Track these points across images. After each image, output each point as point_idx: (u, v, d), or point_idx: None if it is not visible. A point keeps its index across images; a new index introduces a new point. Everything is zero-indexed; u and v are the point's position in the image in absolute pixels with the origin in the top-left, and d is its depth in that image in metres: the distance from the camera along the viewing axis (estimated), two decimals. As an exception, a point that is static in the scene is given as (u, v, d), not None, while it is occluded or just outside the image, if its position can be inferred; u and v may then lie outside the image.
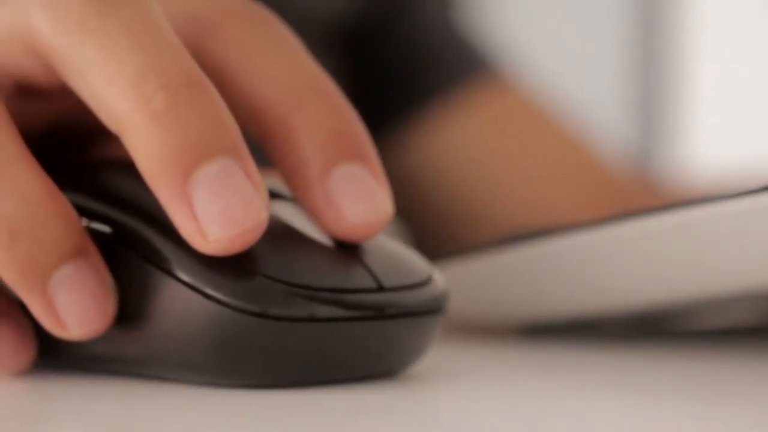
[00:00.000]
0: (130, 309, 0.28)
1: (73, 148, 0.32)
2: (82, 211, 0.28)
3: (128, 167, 0.28)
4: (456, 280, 0.35)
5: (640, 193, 0.64)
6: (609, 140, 0.76)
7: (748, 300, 0.35)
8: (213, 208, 0.26)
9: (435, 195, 0.62)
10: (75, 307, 0.27)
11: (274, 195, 0.28)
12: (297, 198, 0.29)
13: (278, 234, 0.28)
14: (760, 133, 1.90)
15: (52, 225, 0.27)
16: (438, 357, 0.31)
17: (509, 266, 0.36)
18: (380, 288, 0.28)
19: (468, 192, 0.62)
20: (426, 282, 0.28)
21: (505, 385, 0.29)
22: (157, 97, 0.26)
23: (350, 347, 0.27)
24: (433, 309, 0.28)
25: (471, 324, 0.38)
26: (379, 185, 0.28)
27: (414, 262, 0.29)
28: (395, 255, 0.29)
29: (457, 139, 0.63)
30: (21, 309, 0.29)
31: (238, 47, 0.29)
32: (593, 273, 0.35)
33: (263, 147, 0.29)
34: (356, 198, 0.28)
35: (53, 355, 0.30)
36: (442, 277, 0.29)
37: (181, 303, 0.27)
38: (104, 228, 0.28)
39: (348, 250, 0.28)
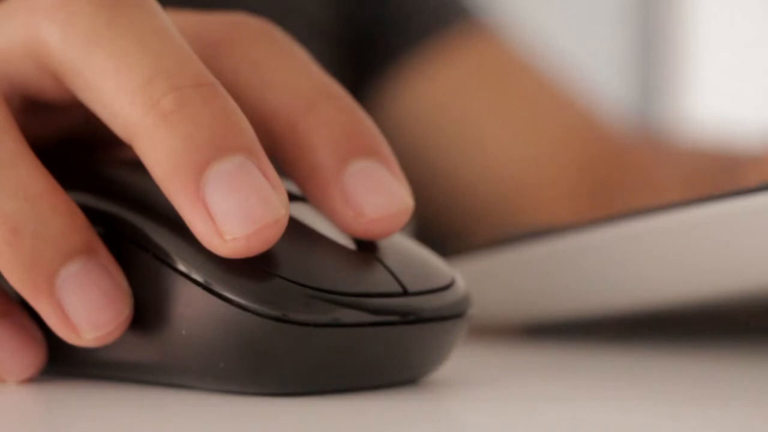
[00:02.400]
0: (146, 313, 0.27)
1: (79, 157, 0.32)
2: (91, 213, 0.28)
3: (139, 166, 0.27)
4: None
5: (634, 146, 0.63)
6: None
7: (748, 300, 0.35)
8: (229, 205, 0.25)
9: (418, 146, 0.62)
10: (85, 307, 0.26)
11: (292, 197, 0.28)
12: (314, 201, 0.28)
13: (298, 237, 0.27)
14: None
15: (55, 221, 0.26)
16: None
17: (509, 266, 0.36)
18: (405, 292, 0.27)
19: (451, 143, 0.62)
20: (449, 285, 0.28)
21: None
22: (167, 98, 0.26)
23: (374, 354, 0.27)
24: (457, 313, 0.28)
25: (474, 324, 0.38)
26: (396, 179, 0.28)
27: (436, 264, 0.29)
28: (417, 258, 0.28)
29: (440, 89, 0.63)
30: (29, 314, 0.28)
31: (247, 61, 0.29)
32: (593, 273, 0.35)
33: (276, 157, 0.29)
34: (374, 192, 0.28)
35: (64, 363, 0.29)
36: (463, 280, 0.29)
37: (198, 306, 0.26)
38: (99, 229, 0.28)
39: (369, 252, 0.28)
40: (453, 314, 0.28)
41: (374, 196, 0.28)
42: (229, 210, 0.25)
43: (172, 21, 0.27)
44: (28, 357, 0.28)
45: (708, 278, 0.33)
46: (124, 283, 0.27)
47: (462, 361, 0.30)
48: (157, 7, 0.27)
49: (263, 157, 0.26)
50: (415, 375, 0.28)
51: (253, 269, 0.26)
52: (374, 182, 0.28)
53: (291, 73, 0.29)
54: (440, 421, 0.26)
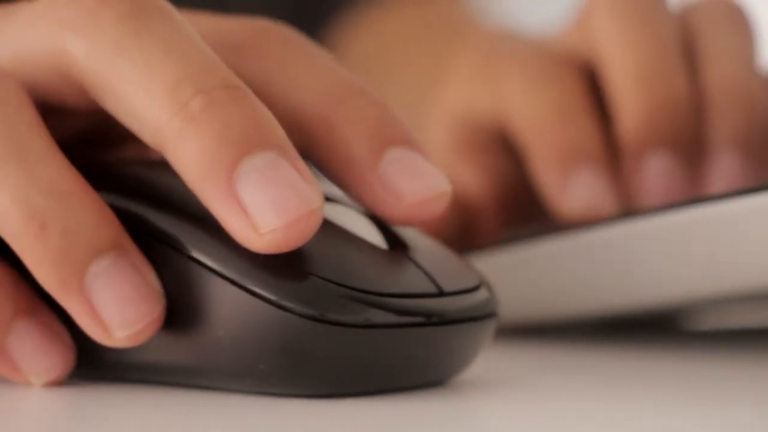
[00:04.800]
0: (181, 315, 0.27)
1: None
2: (122, 215, 0.27)
3: (167, 167, 0.27)
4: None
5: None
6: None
7: (748, 300, 0.35)
8: (262, 198, 0.25)
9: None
10: (116, 303, 0.26)
11: (326, 199, 0.28)
12: (352, 192, 0.28)
13: (334, 237, 0.27)
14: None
15: (85, 217, 0.26)
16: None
17: (510, 266, 0.36)
18: (441, 293, 0.27)
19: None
20: (479, 285, 0.28)
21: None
22: (194, 100, 0.26)
23: (410, 354, 0.27)
24: (489, 313, 0.28)
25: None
26: (432, 165, 0.28)
27: (463, 265, 0.29)
28: (446, 258, 0.29)
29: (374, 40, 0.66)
30: (56, 315, 0.28)
31: (273, 63, 0.29)
32: (594, 273, 0.35)
33: (310, 154, 0.29)
34: (411, 177, 0.28)
35: (95, 366, 0.28)
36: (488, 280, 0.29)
37: (236, 307, 0.26)
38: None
39: (402, 253, 0.28)
40: (486, 314, 0.28)
41: (413, 181, 0.28)
42: (263, 203, 0.25)
43: (195, 25, 0.27)
44: (54, 356, 0.28)
45: (708, 278, 0.33)
46: (155, 281, 0.27)
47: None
48: (180, 15, 0.27)
49: (294, 153, 0.26)
50: (446, 376, 0.28)
51: (290, 268, 0.26)
52: (411, 168, 0.28)
53: (317, 71, 0.29)
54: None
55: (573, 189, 0.40)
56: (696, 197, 0.35)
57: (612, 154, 0.41)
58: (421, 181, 0.28)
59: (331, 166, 0.28)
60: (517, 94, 0.43)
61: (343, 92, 0.29)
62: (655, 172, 0.40)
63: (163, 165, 0.28)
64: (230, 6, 0.41)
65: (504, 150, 0.43)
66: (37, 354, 0.28)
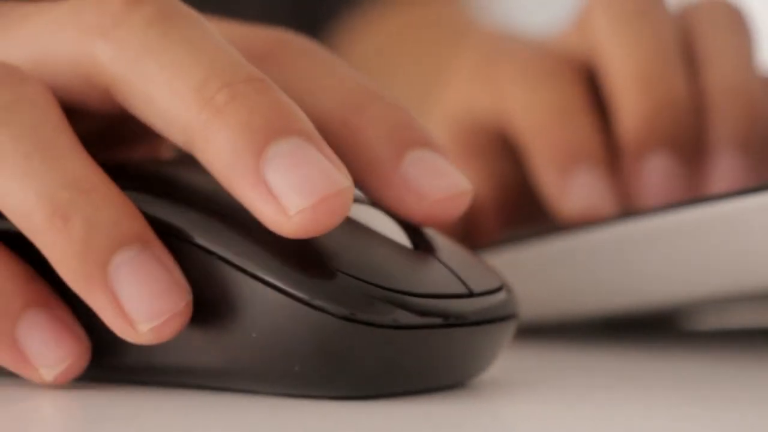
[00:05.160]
0: (211, 316, 0.26)
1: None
2: (149, 215, 0.27)
3: (193, 167, 0.27)
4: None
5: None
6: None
7: (748, 300, 0.35)
8: (290, 180, 0.25)
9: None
10: (140, 295, 0.26)
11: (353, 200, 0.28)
12: (374, 194, 0.29)
13: (363, 237, 0.27)
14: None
15: (108, 210, 0.26)
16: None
17: (509, 266, 0.36)
18: (470, 293, 0.27)
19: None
20: (503, 285, 0.28)
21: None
22: (220, 93, 0.26)
23: (439, 355, 0.27)
24: (514, 314, 0.28)
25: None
26: (451, 165, 0.29)
27: (484, 265, 0.29)
28: (469, 258, 0.29)
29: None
30: (70, 311, 0.28)
31: (293, 71, 0.29)
32: (594, 273, 0.35)
33: None
34: (432, 177, 0.28)
35: (123, 369, 0.28)
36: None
37: (269, 308, 0.26)
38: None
39: (430, 254, 0.28)
40: (511, 314, 0.28)
41: (434, 181, 0.28)
42: (291, 185, 0.25)
43: (217, 32, 0.28)
44: (64, 347, 0.27)
45: (708, 279, 0.33)
46: (180, 275, 0.26)
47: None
48: (205, 20, 0.27)
49: (320, 139, 0.26)
50: (469, 377, 0.28)
51: (320, 266, 0.26)
52: (432, 168, 0.28)
53: (337, 78, 0.30)
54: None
55: (572, 189, 0.40)
56: (696, 197, 0.35)
57: (611, 154, 0.41)
58: (442, 180, 0.28)
59: (353, 169, 0.28)
60: (516, 95, 0.43)
61: (363, 98, 0.29)
62: (655, 173, 0.40)
63: (188, 163, 0.28)
64: (230, 7, 0.41)
65: (504, 150, 0.43)
66: (47, 343, 0.27)
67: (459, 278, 0.27)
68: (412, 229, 0.28)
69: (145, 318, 0.26)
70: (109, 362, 0.28)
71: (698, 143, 0.41)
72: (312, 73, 0.30)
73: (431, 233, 0.29)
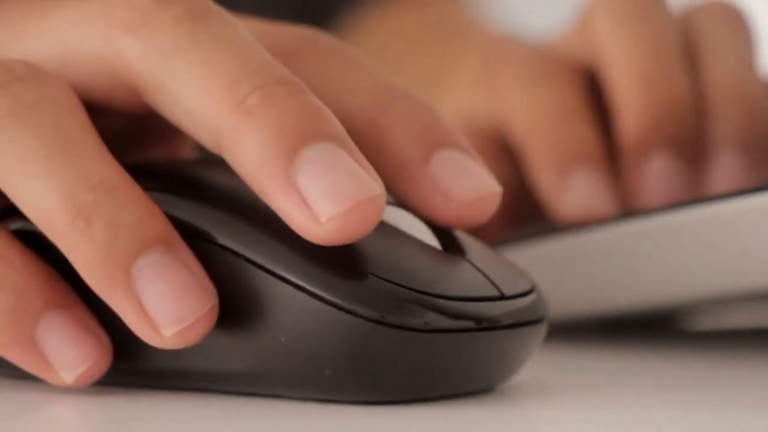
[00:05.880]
0: (239, 320, 0.26)
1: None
2: (174, 217, 0.27)
3: (219, 168, 0.27)
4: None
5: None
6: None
7: (748, 300, 0.35)
8: (322, 186, 0.25)
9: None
10: (164, 298, 0.25)
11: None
12: (402, 194, 0.28)
13: (394, 240, 0.27)
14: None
15: (131, 211, 0.26)
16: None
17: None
18: (502, 296, 0.27)
19: None
20: (533, 288, 0.28)
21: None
22: (252, 95, 0.25)
23: (471, 359, 0.26)
24: (545, 316, 0.28)
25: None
26: (479, 166, 0.28)
27: (515, 267, 0.28)
28: (499, 260, 0.28)
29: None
30: (91, 313, 0.27)
31: (319, 70, 0.29)
32: (593, 273, 0.35)
33: None
34: (461, 177, 0.28)
35: (137, 371, 0.27)
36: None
37: (299, 311, 0.25)
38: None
39: (460, 255, 0.27)
40: (542, 317, 0.27)
41: (463, 182, 0.28)
42: (323, 191, 0.25)
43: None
44: (85, 348, 0.27)
45: (708, 279, 0.33)
46: (205, 278, 0.26)
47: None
48: (234, 18, 0.27)
49: (352, 144, 0.26)
50: (501, 380, 0.28)
51: (350, 269, 0.25)
52: (461, 169, 0.28)
53: (363, 77, 0.29)
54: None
55: (570, 190, 0.40)
56: (696, 197, 0.35)
57: (611, 155, 0.41)
58: (471, 181, 0.28)
59: (380, 168, 0.28)
60: (515, 97, 0.43)
61: (390, 97, 0.29)
62: (656, 173, 0.40)
63: (213, 164, 0.28)
64: (229, 7, 0.41)
65: (504, 152, 0.43)
66: (67, 344, 0.27)
67: (490, 280, 0.27)
68: (440, 230, 0.28)
69: (170, 322, 0.25)
70: (131, 366, 0.27)
71: (698, 143, 0.41)
72: (338, 72, 0.29)
73: (459, 234, 0.28)
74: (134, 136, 0.31)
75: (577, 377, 0.32)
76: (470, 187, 0.28)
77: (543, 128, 0.41)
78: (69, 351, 0.27)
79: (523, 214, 0.43)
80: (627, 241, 0.34)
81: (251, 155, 0.25)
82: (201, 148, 0.34)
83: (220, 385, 0.27)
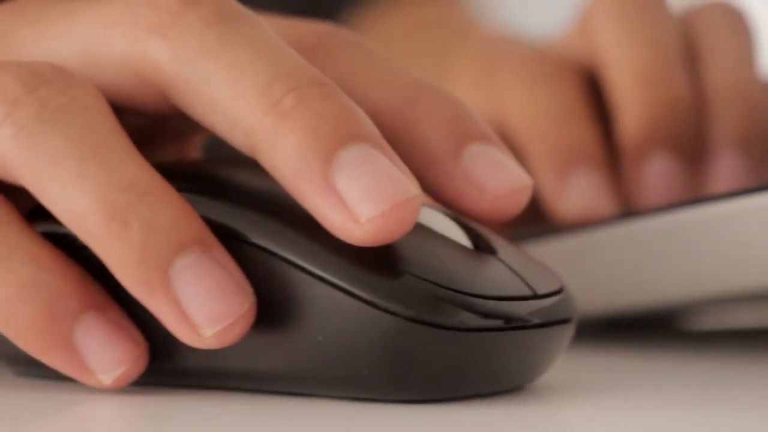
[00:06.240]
0: (275, 319, 0.26)
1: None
2: (209, 218, 0.27)
3: (250, 168, 0.27)
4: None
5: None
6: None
7: (748, 300, 0.35)
8: (360, 187, 0.25)
9: None
10: (202, 299, 0.25)
11: None
12: (434, 187, 0.28)
13: (427, 239, 0.27)
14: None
15: (166, 213, 0.26)
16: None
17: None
18: (535, 295, 0.27)
19: None
20: (563, 287, 0.28)
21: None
22: (287, 97, 0.25)
23: (504, 357, 0.26)
24: (574, 315, 0.28)
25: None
26: (510, 159, 0.28)
27: (544, 265, 0.28)
28: (529, 259, 0.28)
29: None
30: (126, 314, 0.27)
31: (346, 64, 0.29)
32: (593, 273, 0.35)
33: None
34: (493, 170, 0.28)
35: (173, 370, 0.27)
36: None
37: (336, 311, 0.25)
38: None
39: (491, 254, 0.27)
40: (572, 316, 0.28)
41: (495, 175, 0.28)
42: (362, 191, 0.25)
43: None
44: (122, 350, 0.27)
45: (709, 279, 0.33)
46: (242, 278, 0.26)
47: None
48: (260, 19, 0.27)
49: (387, 145, 0.26)
50: (530, 379, 0.28)
51: (386, 267, 0.25)
52: (493, 162, 0.28)
53: (389, 72, 0.29)
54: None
55: (571, 190, 0.40)
56: (696, 197, 0.35)
57: (611, 155, 0.41)
58: (504, 174, 0.28)
59: (411, 163, 0.28)
60: (514, 97, 0.43)
61: (418, 90, 0.29)
62: (656, 173, 0.40)
63: (245, 166, 0.28)
64: None
65: None
66: (105, 347, 0.27)
67: (523, 280, 0.27)
68: (470, 229, 0.28)
69: (208, 323, 0.25)
70: (165, 365, 0.27)
71: (698, 143, 0.41)
72: (363, 66, 0.29)
73: (489, 233, 0.28)
74: (147, 138, 0.31)
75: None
76: (504, 179, 0.28)
77: (543, 128, 0.42)
78: (107, 354, 0.27)
79: (523, 214, 0.43)
80: (627, 241, 0.34)
81: (288, 158, 0.25)
82: (206, 149, 0.34)
83: (255, 384, 0.27)
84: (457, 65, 0.52)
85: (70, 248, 0.27)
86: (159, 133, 0.31)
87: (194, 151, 0.33)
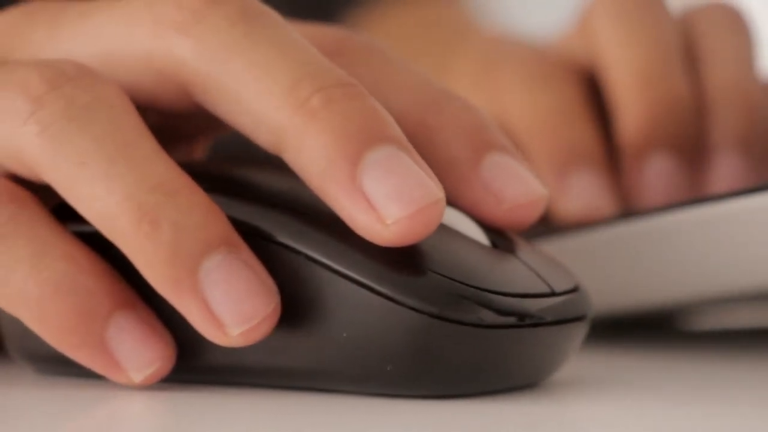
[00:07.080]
0: (300, 317, 0.26)
1: None
2: (234, 217, 0.27)
3: (274, 168, 0.27)
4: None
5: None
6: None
7: (748, 300, 0.35)
8: (387, 189, 0.25)
9: None
10: (230, 299, 0.25)
11: None
12: (453, 193, 0.29)
13: (449, 237, 0.27)
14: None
15: (194, 213, 0.26)
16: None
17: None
18: (553, 293, 0.27)
19: None
20: (578, 285, 0.28)
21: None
22: (314, 97, 0.26)
23: (521, 354, 0.27)
24: (589, 313, 0.28)
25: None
26: (528, 170, 0.29)
27: (560, 264, 0.29)
28: (545, 257, 0.29)
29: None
30: (154, 313, 0.27)
31: (367, 69, 0.29)
32: (593, 273, 0.34)
33: None
34: (511, 181, 0.28)
35: (201, 368, 0.28)
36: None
37: (361, 307, 0.26)
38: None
39: (510, 253, 0.28)
40: (588, 313, 0.28)
41: (513, 185, 0.28)
42: (389, 193, 0.25)
43: None
44: (154, 349, 0.27)
45: (709, 279, 0.33)
46: (268, 278, 0.26)
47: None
48: (283, 19, 0.27)
49: (411, 147, 0.26)
50: (546, 375, 0.28)
51: (410, 265, 0.26)
52: (511, 173, 0.29)
53: (408, 78, 0.30)
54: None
55: (571, 191, 0.40)
56: (696, 197, 0.35)
57: (611, 155, 0.41)
58: (522, 185, 0.28)
59: (431, 168, 0.28)
60: (514, 97, 0.43)
61: (439, 97, 0.29)
62: (656, 173, 0.40)
63: (269, 165, 0.28)
64: None
65: None
66: (137, 346, 0.27)
67: (541, 277, 0.27)
68: (488, 228, 0.28)
69: (236, 322, 0.26)
70: (193, 363, 0.28)
71: (698, 144, 0.41)
72: (384, 71, 0.30)
73: (506, 232, 0.29)
74: (157, 138, 0.31)
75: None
76: (522, 190, 0.28)
77: (543, 128, 0.42)
78: (139, 352, 0.27)
79: None
80: (627, 241, 0.34)
81: (315, 158, 0.25)
82: (212, 149, 0.34)
83: (281, 381, 0.27)
84: (457, 65, 0.52)
85: (95, 247, 0.27)
86: (176, 132, 0.31)
87: (200, 153, 0.33)
